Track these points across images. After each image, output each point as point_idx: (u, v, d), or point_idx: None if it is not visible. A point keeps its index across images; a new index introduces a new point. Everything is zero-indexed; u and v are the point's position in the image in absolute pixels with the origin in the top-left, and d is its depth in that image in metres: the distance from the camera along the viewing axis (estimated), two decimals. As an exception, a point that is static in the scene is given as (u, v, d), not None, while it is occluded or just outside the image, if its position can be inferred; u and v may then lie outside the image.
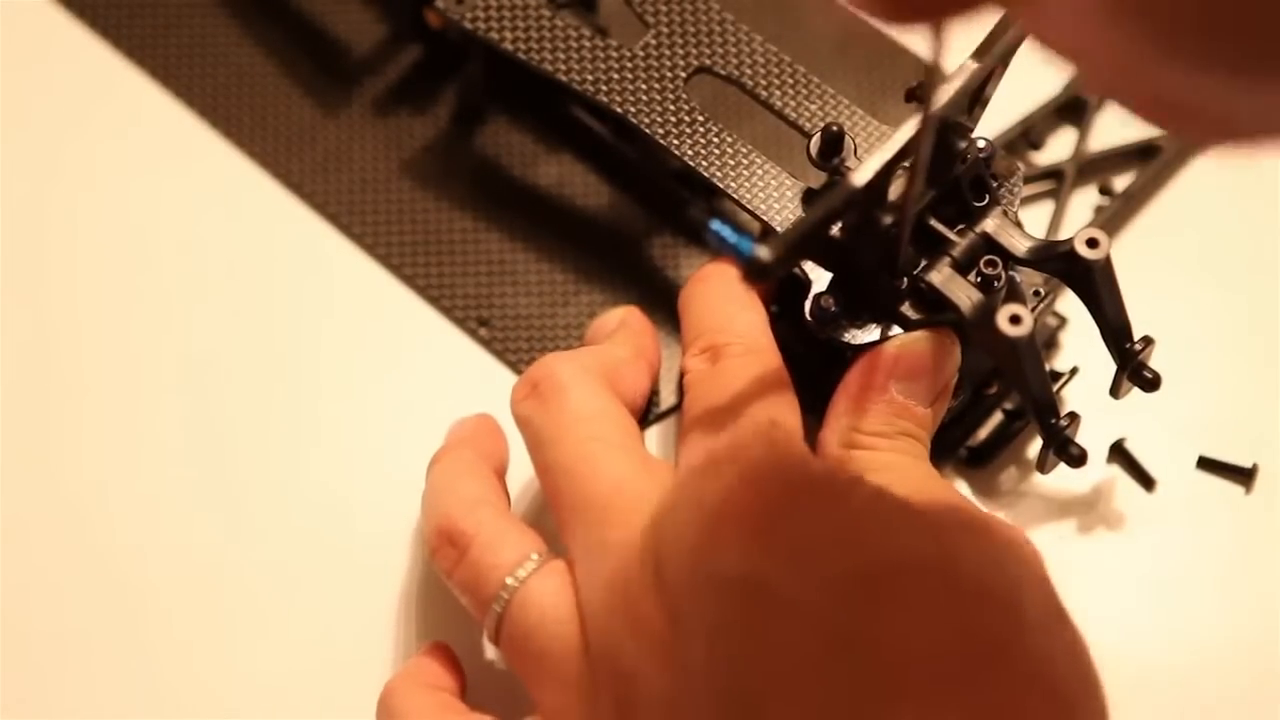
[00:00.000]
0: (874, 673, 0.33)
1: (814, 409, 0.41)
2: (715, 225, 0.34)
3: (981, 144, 0.41)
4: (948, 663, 0.33)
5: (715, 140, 0.43)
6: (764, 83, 0.44)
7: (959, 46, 0.38)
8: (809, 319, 0.41)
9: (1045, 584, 0.36)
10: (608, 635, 0.36)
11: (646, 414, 0.45)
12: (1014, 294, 0.41)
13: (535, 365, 0.41)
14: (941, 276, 0.40)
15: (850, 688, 0.33)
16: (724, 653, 0.34)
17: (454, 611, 0.42)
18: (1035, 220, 0.49)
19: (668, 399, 0.47)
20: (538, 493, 0.45)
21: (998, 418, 0.46)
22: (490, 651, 0.43)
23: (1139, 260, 0.46)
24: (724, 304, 0.42)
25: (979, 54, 0.38)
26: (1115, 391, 0.42)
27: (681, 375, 0.42)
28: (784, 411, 0.39)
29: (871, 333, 0.41)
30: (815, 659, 0.33)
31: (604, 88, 0.44)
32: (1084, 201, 0.50)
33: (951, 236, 0.40)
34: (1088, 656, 0.36)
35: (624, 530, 0.37)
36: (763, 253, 0.34)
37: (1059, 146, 0.51)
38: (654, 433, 0.46)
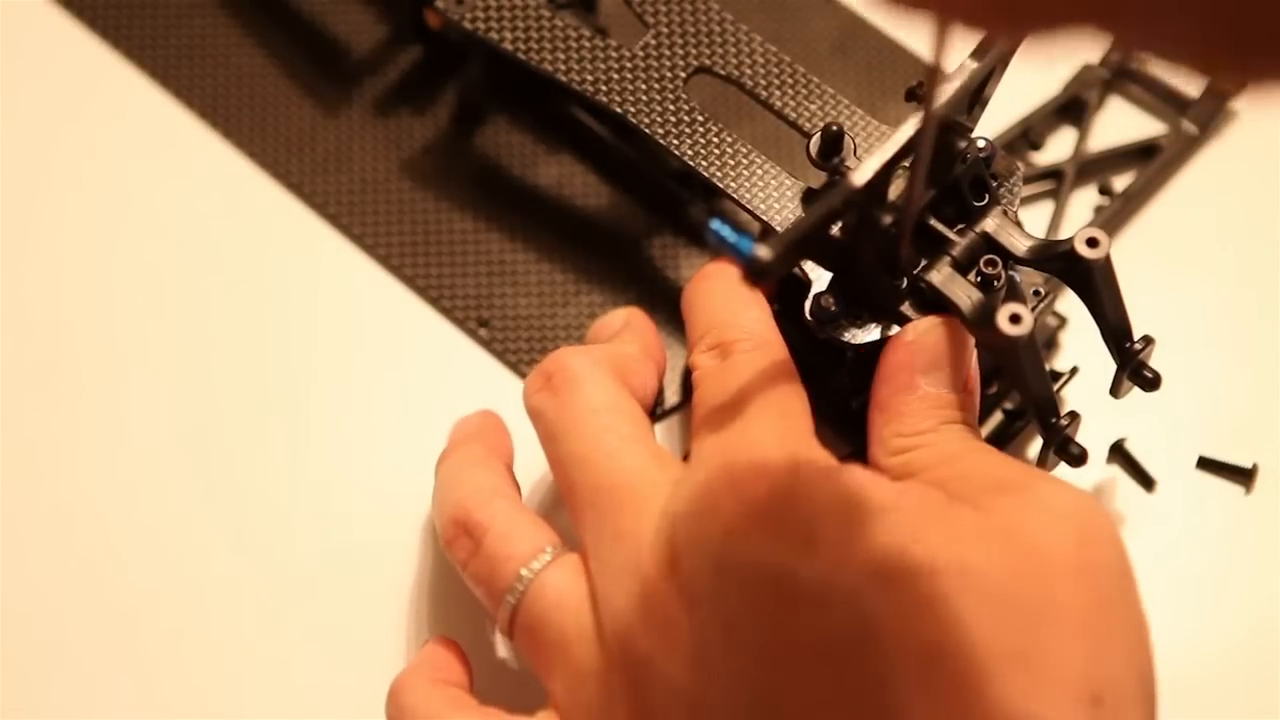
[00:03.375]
0: (890, 667, 0.33)
1: (814, 409, 0.41)
2: (715, 225, 0.34)
3: (981, 144, 0.41)
4: (961, 664, 0.33)
5: (715, 140, 0.43)
6: (764, 83, 0.44)
7: (959, 46, 0.39)
8: (809, 319, 0.41)
9: (1099, 573, 0.35)
10: (622, 625, 0.36)
11: (652, 414, 0.45)
12: (1014, 294, 0.41)
13: (548, 358, 0.41)
14: (941, 276, 0.40)
15: (867, 680, 0.33)
16: (741, 641, 0.34)
17: (457, 610, 0.42)
18: (1035, 220, 0.49)
19: (671, 398, 0.47)
20: (548, 488, 0.45)
21: (998, 418, 0.46)
22: (499, 647, 0.43)
23: (1139, 260, 0.46)
24: (730, 301, 0.42)
25: (979, 54, 0.38)
26: (1115, 391, 0.42)
27: (688, 372, 0.42)
28: (794, 405, 0.39)
29: (871, 333, 0.41)
30: (832, 650, 0.33)
31: (604, 88, 0.44)
32: (1084, 201, 0.50)
33: (951, 236, 0.40)
34: (1142, 655, 0.35)
35: (637, 520, 0.37)
36: (763, 252, 0.34)
37: (1059, 146, 0.51)
38: (657, 432, 0.46)
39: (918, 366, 0.39)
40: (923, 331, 0.39)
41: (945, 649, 0.33)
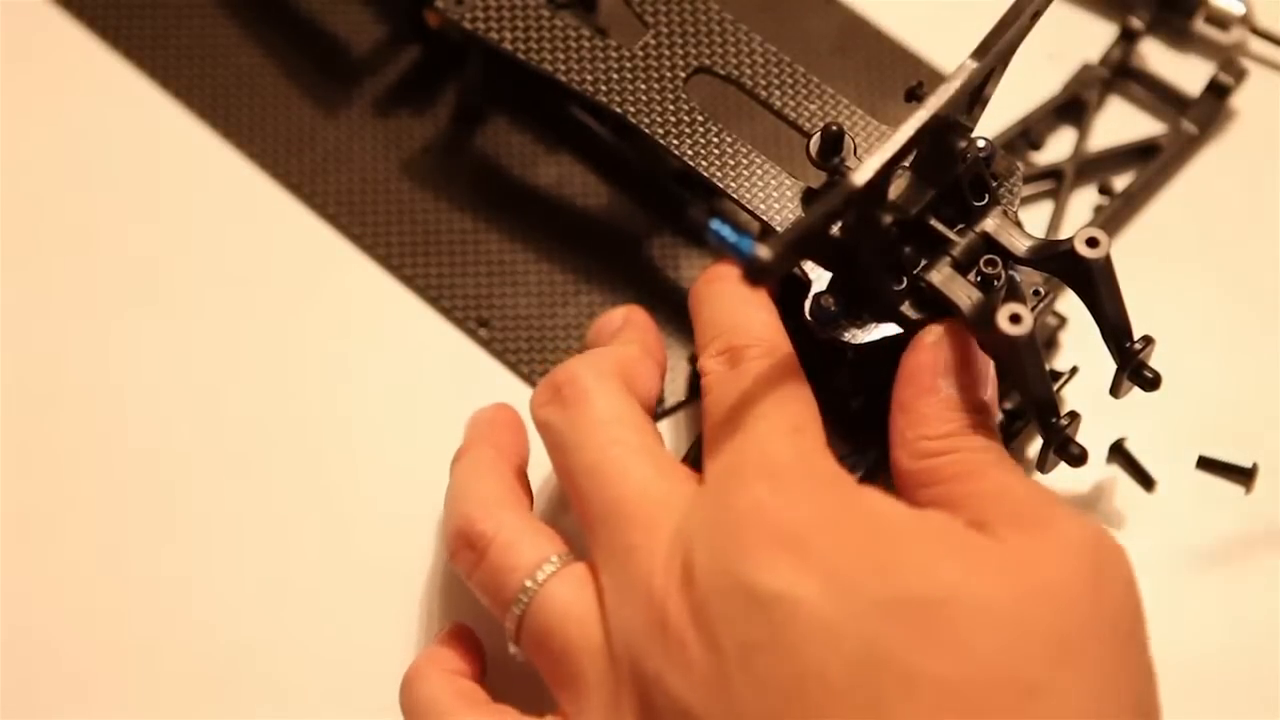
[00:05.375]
0: (900, 698, 0.33)
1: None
2: (715, 225, 0.34)
3: (981, 144, 0.41)
4: (969, 697, 0.33)
5: (715, 140, 0.43)
6: (764, 83, 0.44)
7: (959, 46, 0.39)
8: (809, 319, 0.41)
9: (1111, 611, 0.35)
10: (632, 638, 0.36)
11: (653, 414, 0.45)
12: (1014, 293, 0.41)
13: (557, 369, 0.41)
14: (941, 276, 0.40)
15: (877, 710, 0.33)
16: (752, 664, 0.34)
17: (466, 610, 0.42)
18: (1035, 220, 0.49)
19: (671, 398, 0.47)
20: (555, 489, 0.45)
21: (998, 418, 0.46)
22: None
23: (1139, 260, 0.46)
24: (739, 304, 0.41)
25: (979, 54, 0.38)
26: (1115, 391, 0.42)
27: (696, 375, 0.41)
28: (806, 416, 0.39)
29: (871, 333, 0.41)
30: (843, 678, 0.33)
31: (604, 88, 0.44)
32: (1084, 201, 0.50)
33: (951, 236, 0.40)
34: (1148, 699, 0.35)
35: (649, 536, 0.37)
36: (762, 252, 0.34)
37: (1059, 146, 0.51)
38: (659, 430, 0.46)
39: (940, 369, 0.39)
40: (944, 333, 0.39)
41: (954, 681, 0.33)
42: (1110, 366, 0.41)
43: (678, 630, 0.35)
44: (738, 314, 0.41)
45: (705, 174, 0.43)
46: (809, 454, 0.37)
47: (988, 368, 0.40)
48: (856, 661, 0.33)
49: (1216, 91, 0.51)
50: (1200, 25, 0.52)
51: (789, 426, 0.38)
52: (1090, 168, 0.50)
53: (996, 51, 0.38)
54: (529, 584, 0.38)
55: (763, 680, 0.34)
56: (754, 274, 0.34)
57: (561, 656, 0.38)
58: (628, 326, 0.44)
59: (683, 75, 0.44)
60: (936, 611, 0.34)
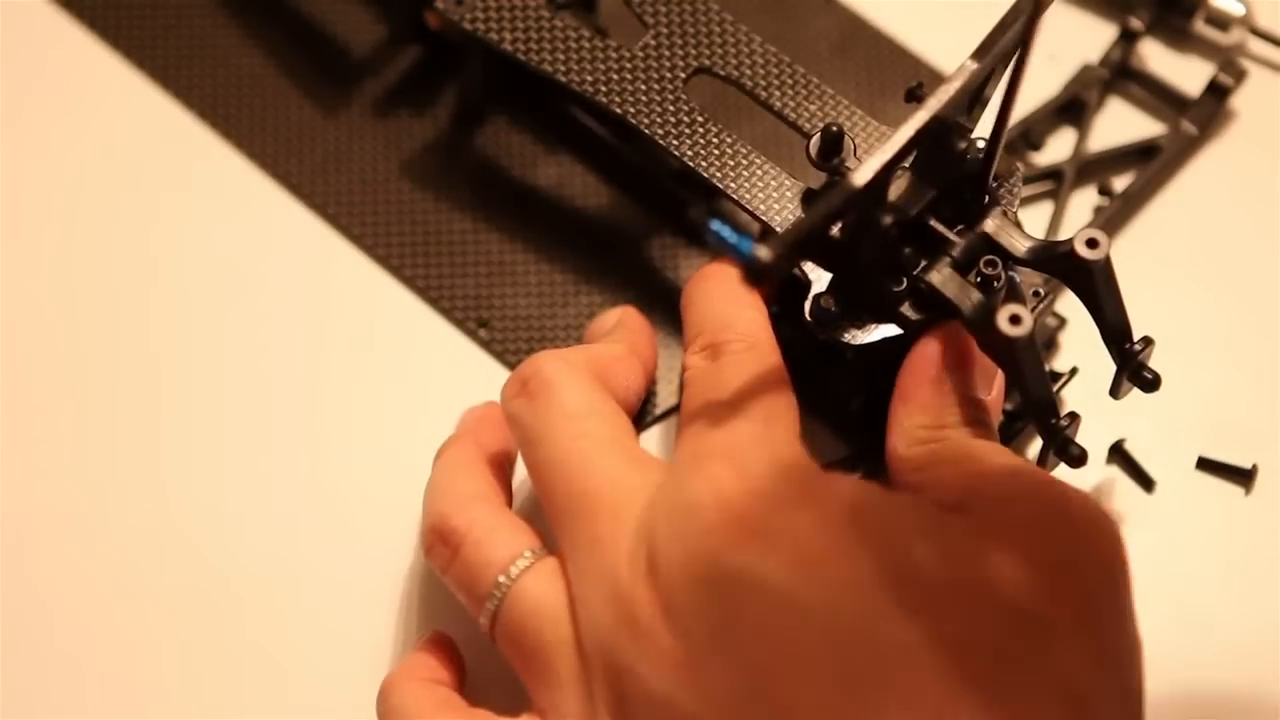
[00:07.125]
0: (867, 675, 0.33)
1: (814, 409, 0.41)
2: (715, 225, 0.34)
3: (981, 144, 0.41)
4: (943, 671, 0.33)
5: (715, 140, 0.43)
6: (764, 83, 0.44)
7: (959, 46, 0.39)
8: (809, 319, 0.41)
9: (1095, 582, 0.35)
10: (602, 631, 0.36)
11: (643, 414, 0.45)
12: (1014, 294, 0.41)
13: (525, 363, 0.41)
14: (941, 276, 0.40)
15: (847, 686, 0.33)
16: (720, 649, 0.34)
17: (453, 608, 0.42)
18: (1035, 220, 0.49)
19: (666, 400, 0.47)
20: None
21: (998, 419, 0.46)
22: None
23: (1139, 260, 0.46)
24: (726, 302, 0.42)
25: (979, 54, 0.38)
26: (1115, 392, 0.42)
27: (682, 372, 0.42)
28: (782, 409, 0.39)
29: (871, 333, 0.41)
30: (812, 658, 0.33)
31: (604, 88, 0.44)
32: (1084, 201, 0.50)
33: (951, 236, 0.40)
34: (1132, 671, 0.35)
35: (615, 525, 0.37)
36: (763, 253, 0.34)
37: (1059, 146, 0.51)
38: (653, 433, 0.46)
39: (946, 363, 0.39)
40: (953, 329, 0.39)
41: (926, 656, 0.33)
42: (1110, 367, 0.41)
43: (646, 620, 0.35)
44: (724, 312, 0.41)
45: (705, 174, 0.43)
46: (775, 440, 0.37)
47: (995, 368, 0.40)
48: (826, 640, 0.33)
49: (1216, 92, 0.51)
50: (1200, 26, 0.52)
51: (760, 415, 0.38)
52: (1090, 168, 0.50)
53: (997, 52, 0.38)
54: (502, 579, 0.38)
55: (734, 662, 0.34)
56: (754, 275, 0.34)
57: (535, 652, 0.38)
58: (619, 327, 0.45)
59: (683, 75, 0.44)
60: (905, 589, 0.34)
